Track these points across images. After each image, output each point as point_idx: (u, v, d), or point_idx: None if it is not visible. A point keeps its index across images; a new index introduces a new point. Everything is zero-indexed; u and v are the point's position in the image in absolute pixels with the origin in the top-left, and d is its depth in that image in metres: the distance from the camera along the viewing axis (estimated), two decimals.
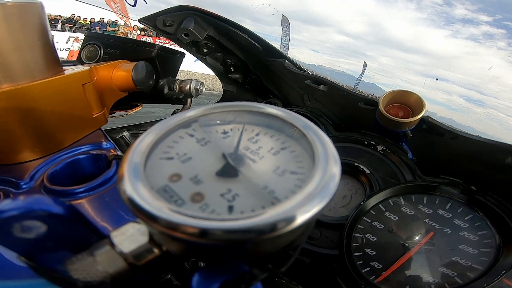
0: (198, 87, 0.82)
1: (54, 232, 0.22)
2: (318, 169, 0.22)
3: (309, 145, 0.25)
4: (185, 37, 0.86)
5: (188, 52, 0.95)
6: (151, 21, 0.87)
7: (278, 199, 0.22)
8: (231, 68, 1.02)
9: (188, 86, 0.82)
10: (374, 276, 0.46)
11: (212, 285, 0.22)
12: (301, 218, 0.20)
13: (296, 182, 0.23)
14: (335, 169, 0.23)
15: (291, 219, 0.19)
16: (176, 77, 0.87)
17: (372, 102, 0.75)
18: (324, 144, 0.24)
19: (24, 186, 0.51)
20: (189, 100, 0.87)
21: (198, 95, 0.84)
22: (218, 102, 1.04)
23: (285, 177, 0.24)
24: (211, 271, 0.23)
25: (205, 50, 0.95)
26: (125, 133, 0.84)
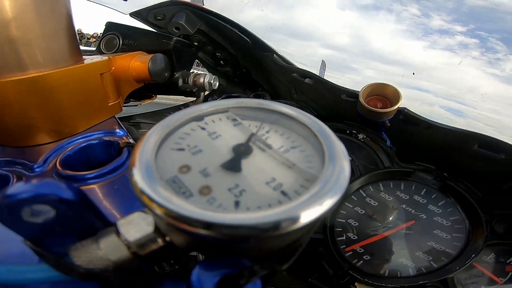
0: (212, 81, 0.81)
1: (63, 217, 0.22)
2: (328, 168, 0.22)
3: (319, 143, 0.24)
4: (176, 30, 0.84)
5: None
6: (143, 15, 0.86)
7: (286, 193, 0.22)
8: (221, 61, 1.01)
9: (202, 79, 0.80)
10: (356, 260, 0.48)
11: (213, 278, 0.21)
12: (305, 218, 0.19)
13: (304, 181, 0.23)
14: (345, 167, 0.22)
15: (295, 219, 0.19)
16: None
17: (353, 95, 0.76)
18: (333, 142, 0.24)
19: (37, 170, 0.50)
20: (202, 94, 0.86)
21: (211, 89, 0.83)
22: (207, 96, 1.04)
23: (295, 170, 0.24)
24: (212, 264, 0.22)
25: (195, 44, 0.94)
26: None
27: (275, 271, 0.23)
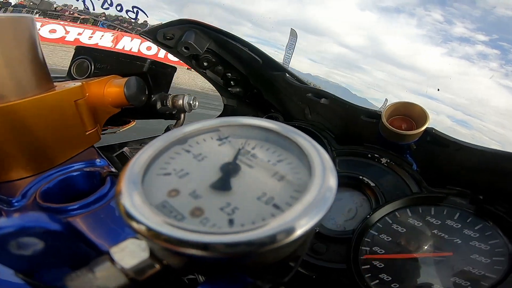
0: (191, 102, 0.83)
1: (52, 248, 0.22)
2: (316, 179, 0.23)
3: (305, 156, 0.26)
4: (185, 50, 0.87)
5: (189, 66, 0.96)
6: (152, 34, 0.89)
7: (278, 206, 0.23)
8: (232, 82, 1.03)
9: (181, 101, 0.82)
10: None
11: None
12: (301, 229, 0.20)
13: (294, 193, 0.24)
14: (332, 179, 0.23)
15: (290, 230, 0.20)
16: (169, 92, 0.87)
17: (374, 115, 0.76)
18: (320, 155, 0.25)
19: (16, 204, 0.51)
20: (182, 115, 0.87)
21: (191, 110, 0.84)
22: (218, 117, 1.05)
23: (284, 182, 0.25)
24: (215, 284, 0.23)
25: (205, 64, 0.97)
26: (125, 149, 0.84)
27: (278, 284, 0.24)
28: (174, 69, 0.89)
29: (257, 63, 0.91)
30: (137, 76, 0.72)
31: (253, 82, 1.00)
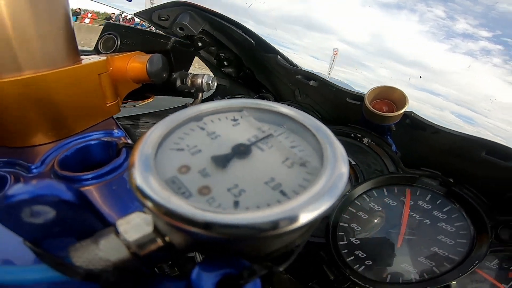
0: (210, 82, 0.82)
1: (62, 218, 0.22)
2: (326, 169, 0.22)
3: (318, 144, 0.25)
4: (180, 31, 0.85)
5: None
6: (147, 15, 0.86)
7: (285, 192, 0.22)
8: (225, 62, 1.02)
9: (200, 80, 0.81)
10: (358, 265, 0.48)
11: (213, 277, 0.22)
12: (304, 218, 0.19)
13: (303, 181, 0.23)
14: (344, 169, 0.22)
15: (294, 219, 0.19)
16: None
17: (359, 98, 0.76)
18: (333, 144, 0.24)
19: (34, 170, 0.51)
20: (200, 94, 0.86)
21: (209, 90, 0.84)
22: (211, 96, 1.04)
23: (294, 169, 0.24)
24: (212, 264, 0.22)
25: (199, 44, 0.95)
26: None
27: (274, 272, 0.23)
28: (201, 49, 0.87)
29: (250, 44, 0.89)
30: (160, 54, 0.71)
31: (245, 63, 0.99)
